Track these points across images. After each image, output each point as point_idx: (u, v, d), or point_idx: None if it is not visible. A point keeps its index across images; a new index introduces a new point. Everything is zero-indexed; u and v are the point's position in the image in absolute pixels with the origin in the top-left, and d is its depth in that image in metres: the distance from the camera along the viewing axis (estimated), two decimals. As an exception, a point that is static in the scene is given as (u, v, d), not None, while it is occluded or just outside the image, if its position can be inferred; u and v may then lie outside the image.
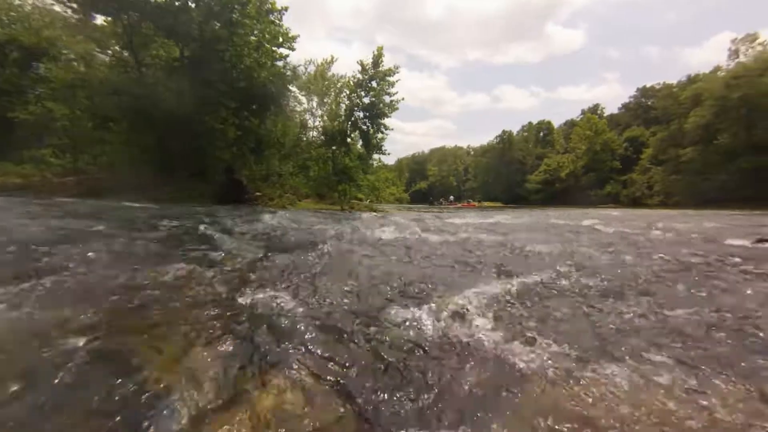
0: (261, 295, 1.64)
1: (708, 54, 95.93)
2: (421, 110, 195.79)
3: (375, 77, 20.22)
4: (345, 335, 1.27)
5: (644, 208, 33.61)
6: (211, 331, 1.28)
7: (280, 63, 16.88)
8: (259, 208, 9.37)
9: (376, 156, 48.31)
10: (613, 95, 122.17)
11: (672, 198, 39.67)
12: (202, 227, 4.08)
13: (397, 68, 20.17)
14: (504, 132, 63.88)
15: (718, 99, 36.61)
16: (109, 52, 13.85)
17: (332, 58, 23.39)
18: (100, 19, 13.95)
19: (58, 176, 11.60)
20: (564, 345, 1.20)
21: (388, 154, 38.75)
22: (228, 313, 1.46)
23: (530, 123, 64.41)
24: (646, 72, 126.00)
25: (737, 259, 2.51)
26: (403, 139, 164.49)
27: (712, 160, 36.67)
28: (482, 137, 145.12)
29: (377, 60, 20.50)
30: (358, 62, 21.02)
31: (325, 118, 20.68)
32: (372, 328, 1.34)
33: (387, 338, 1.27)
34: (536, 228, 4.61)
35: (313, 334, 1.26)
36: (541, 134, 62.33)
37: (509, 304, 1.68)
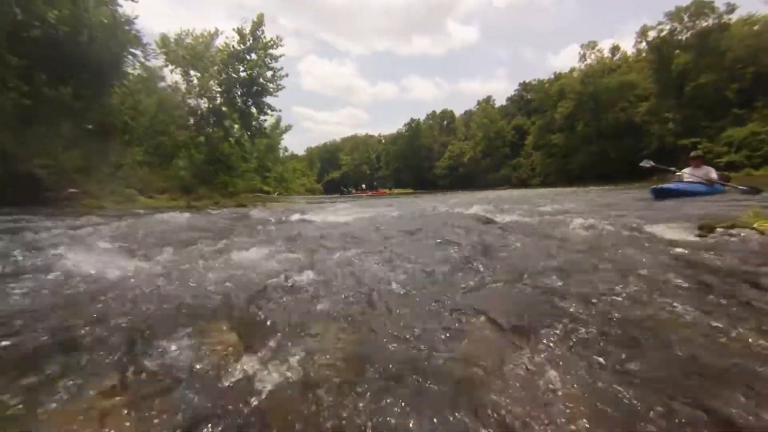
0: None
1: (565, 59, 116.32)
2: (334, 99, 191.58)
3: (254, 49, 17.27)
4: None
5: (529, 188, 38.19)
6: None
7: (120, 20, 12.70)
8: (35, 213, 6.31)
9: (282, 144, 43.66)
10: (502, 89, 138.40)
11: (549, 178, 46.17)
12: None
13: (280, 39, 17.61)
14: (412, 120, 65.81)
15: (576, 93, 43.59)
16: None
17: (216, 30, 18.69)
18: None
19: None
20: None
21: (282, 138, 35.28)
22: None
23: (434, 112, 67.75)
24: (526, 69, 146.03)
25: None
26: (317, 128, 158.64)
27: (573, 144, 43.71)
28: (394, 126, 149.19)
29: (256, 28, 17.53)
30: (234, 29, 17.71)
31: (195, 93, 16.86)
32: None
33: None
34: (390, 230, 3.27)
35: None
36: (445, 123, 66.16)
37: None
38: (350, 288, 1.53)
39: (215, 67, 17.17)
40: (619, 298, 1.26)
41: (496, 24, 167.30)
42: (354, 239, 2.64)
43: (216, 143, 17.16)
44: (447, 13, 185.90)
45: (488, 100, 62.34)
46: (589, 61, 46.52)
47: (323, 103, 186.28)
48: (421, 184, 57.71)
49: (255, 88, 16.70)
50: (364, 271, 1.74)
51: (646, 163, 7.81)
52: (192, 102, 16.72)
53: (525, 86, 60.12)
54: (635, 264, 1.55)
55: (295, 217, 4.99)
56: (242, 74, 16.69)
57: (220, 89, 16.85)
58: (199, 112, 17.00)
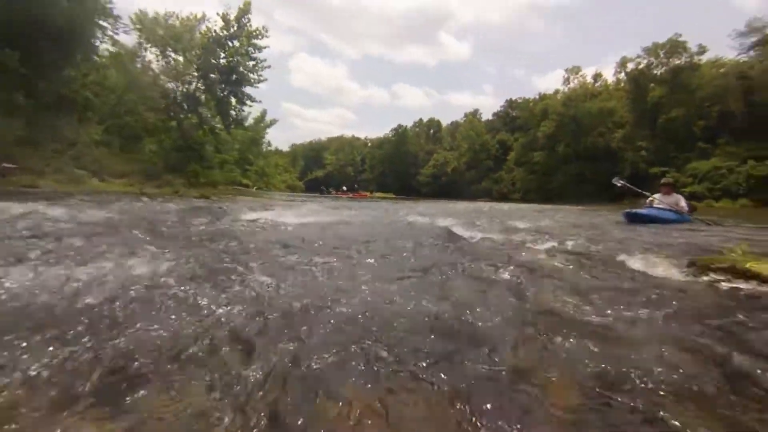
0: None
1: (550, 82, 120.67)
2: (324, 98, 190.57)
3: (237, 36, 16.53)
4: None
5: (510, 202, 38.75)
6: None
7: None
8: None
9: (266, 138, 42.43)
10: (489, 103, 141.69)
11: (529, 194, 47.18)
12: None
13: (266, 30, 16.99)
14: (399, 126, 65.93)
15: (559, 115, 45.04)
16: None
17: (204, 15, 17.38)
18: None
19: None
20: None
21: (266, 132, 34.46)
22: None
23: (421, 120, 68.24)
24: (513, 87, 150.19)
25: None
26: (305, 125, 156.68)
27: (554, 163, 45.05)
28: (381, 130, 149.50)
29: (242, 15, 16.83)
30: (218, 14, 16.92)
31: (170, 76, 15.85)
32: None
33: None
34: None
35: None
36: (432, 131, 66.75)
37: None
38: (235, 312, 1.09)
39: (194, 51, 16.29)
40: (604, 358, 0.89)
41: (488, 40, 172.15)
42: (285, 246, 2.20)
43: (189, 130, 16.20)
44: (441, 26, 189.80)
45: (475, 114, 63.47)
46: (572, 84, 48.34)
47: (313, 101, 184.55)
48: (404, 190, 57.69)
49: (234, 76, 15.93)
50: (273, 289, 1.31)
51: (617, 181, 7.87)
52: (166, 84, 15.71)
53: (511, 103, 61.65)
54: (626, 314, 1.20)
55: (249, 214, 4.47)
56: (222, 61, 15.89)
57: (197, 74, 15.96)
58: (172, 95, 16.01)
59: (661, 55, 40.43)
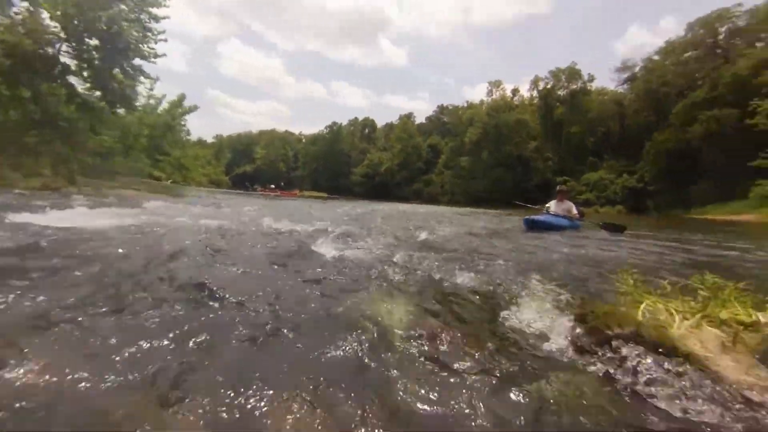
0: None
1: (480, 93, 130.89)
2: (256, 89, 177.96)
3: (125, -4, 13.52)
4: None
5: (438, 204, 40.34)
6: None
7: None
8: None
9: (185, 127, 36.23)
10: (423, 108, 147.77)
11: (456, 197, 49.93)
12: None
13: (165, -4, 14.17)
14: (334, 123, 64.36)
15: (483, 123, 48.60)
16: None
17: None
18: None
19: None
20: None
21: (184, 119, 29.79)
22: None
23: (356, 118, 67.67)
24: (445, 95, 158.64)
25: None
26: (234, 116, 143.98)
27: (479, 168, 48.38)
28: (317, 126, 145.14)
29: (132, -29, 13.84)
30: (99, -35, 13.58)
31: (17, 32, 12.13)
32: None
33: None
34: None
35: None
36: (366, 131, 66.59)
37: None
38: None
39: (62, 4, 12.81)
40: None
41: (425, 50, 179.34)
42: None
43: (51, 103, 12.73)
44: (380, 30, 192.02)
45: (409, 116, 65.14)
46: (494, 96, 52.71)
47: (243, 91, 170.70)
48: (336, 190, 56.32)
49: (120, 45, 12.96)
50: None
51: (516, 201, 9.03)
52: (12, 40, 11.97)
53: (442, 109, 64.84)
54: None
55: (46, 215, 3.08)
56: (102, 24, 12.76)
57: (64, 35, 12.55)
58: (23, 56, 12.30)
59: (563, 79, 46.57)
